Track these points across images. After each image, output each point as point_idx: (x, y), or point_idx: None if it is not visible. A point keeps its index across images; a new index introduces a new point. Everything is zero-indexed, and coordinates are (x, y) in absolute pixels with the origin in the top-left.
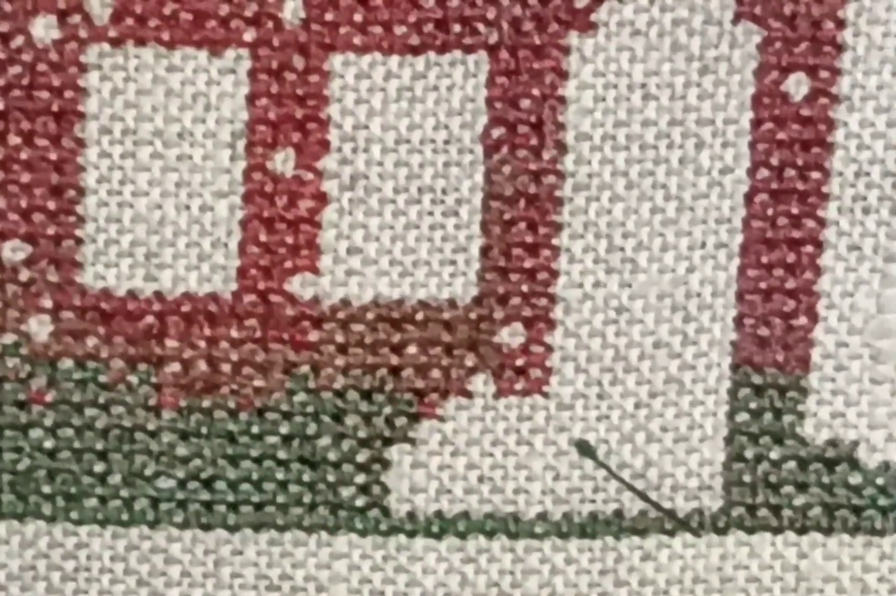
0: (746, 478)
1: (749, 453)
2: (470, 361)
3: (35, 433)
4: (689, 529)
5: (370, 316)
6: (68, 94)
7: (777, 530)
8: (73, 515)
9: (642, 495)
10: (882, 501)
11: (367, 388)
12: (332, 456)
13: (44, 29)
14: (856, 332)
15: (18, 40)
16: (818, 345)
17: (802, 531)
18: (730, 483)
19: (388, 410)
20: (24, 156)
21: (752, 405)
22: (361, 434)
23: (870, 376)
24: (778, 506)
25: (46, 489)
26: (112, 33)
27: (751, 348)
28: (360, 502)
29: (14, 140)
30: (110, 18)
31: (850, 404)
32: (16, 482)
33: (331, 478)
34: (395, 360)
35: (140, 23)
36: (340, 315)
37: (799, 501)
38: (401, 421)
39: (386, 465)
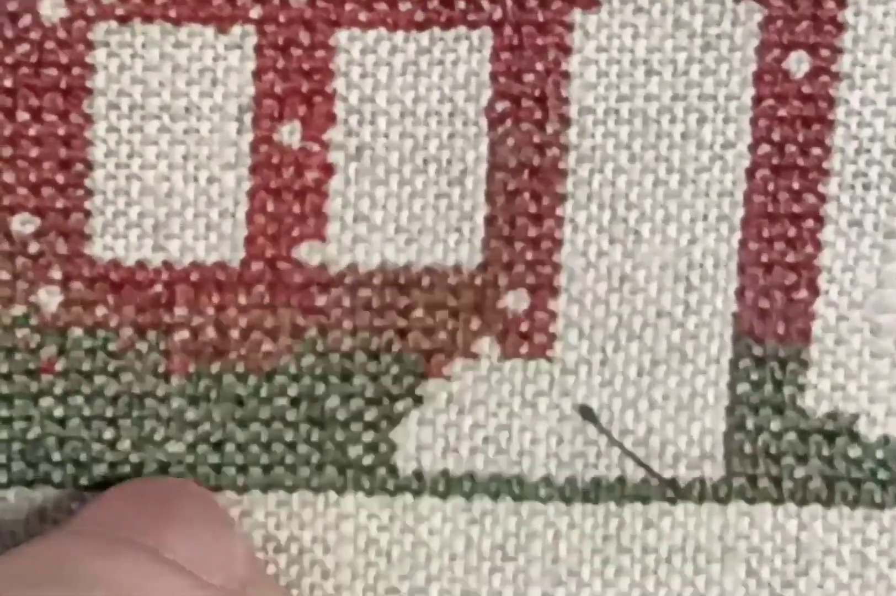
0: (747, 448)
1: (750, 424)
2: (475, 324)
3: (45, 402)
4: (680, 495)
5: (377, 281)
6: (76, 70)
7: (777, 501)
8: (83, 480)
9: (640, 462)
10: (881, 475)
11: (374, 349)
12: (340, 415)
13: (51, 8)
14: (856, 306)
15: (26, 19)
16: (819, 318)
17: (803, 503)
18: (731, 453)
19: (395, 369)
20: (32, 132)
21: (753, 376)
22: (369, 393)
23: (870, 350)
24: (778, 477)
25: (56, 456)
26: (119, 11)
27: (752, 320)
28: (367, 461)
29: (23, 116)
30: None
31: (851, 377)
32: (26, 450)
33: (339, 437)
34: (401, 322)
35: (147, 0)
36: (347, 280)
37: (799, 472)
38: (408, 379)
39: (393, 422)
